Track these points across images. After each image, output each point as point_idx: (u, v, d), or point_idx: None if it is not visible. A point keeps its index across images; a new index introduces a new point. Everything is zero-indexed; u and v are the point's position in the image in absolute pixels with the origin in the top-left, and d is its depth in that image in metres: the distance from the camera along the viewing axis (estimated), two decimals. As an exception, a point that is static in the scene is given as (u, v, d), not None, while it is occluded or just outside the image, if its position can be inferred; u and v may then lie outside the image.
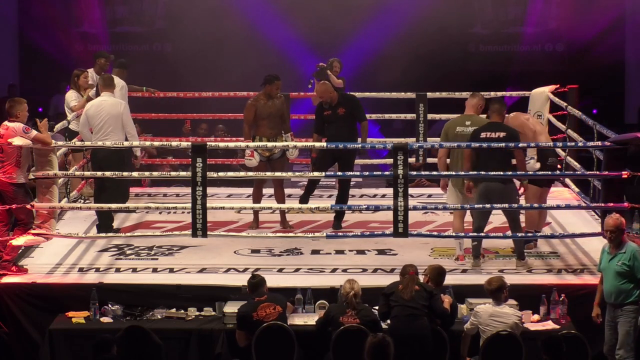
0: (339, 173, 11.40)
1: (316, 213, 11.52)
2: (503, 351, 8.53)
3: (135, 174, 11.16)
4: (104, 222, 11.05)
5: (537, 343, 8.26)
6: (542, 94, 12.85)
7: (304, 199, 11.52)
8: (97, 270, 10.09)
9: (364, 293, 8.91)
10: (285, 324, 8.80)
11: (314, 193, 11.69)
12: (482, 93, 13.37)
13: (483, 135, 9.97)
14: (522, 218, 10.48)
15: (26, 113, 10.02)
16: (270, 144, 11.06)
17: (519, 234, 10.09)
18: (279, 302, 8.85)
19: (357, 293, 8.77)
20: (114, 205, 10.73)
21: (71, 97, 12.41)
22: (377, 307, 9.07)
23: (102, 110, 10.98)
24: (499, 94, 13.51)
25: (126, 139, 11.02)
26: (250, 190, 11.78)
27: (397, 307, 8.67)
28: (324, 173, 11.11)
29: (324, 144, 10.61)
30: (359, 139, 11.51)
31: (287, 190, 11.85)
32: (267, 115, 11.30)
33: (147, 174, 11.83)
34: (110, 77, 11.39)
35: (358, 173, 12.06)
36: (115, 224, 11.35)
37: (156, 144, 11.14)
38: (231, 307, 9.23)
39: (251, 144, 11.09)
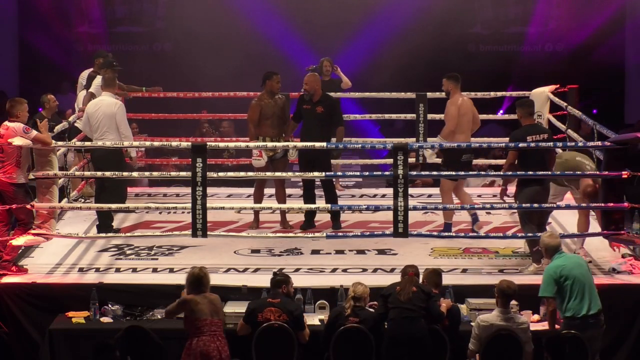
0: (339, 173, 11.41)
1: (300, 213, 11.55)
2: (503, 351, 8.53)
3: (135, 174, 11.21)
4: (104, 222, 11.06)
5: (539, 343, 8.29)
6: (542, 94, 12.86)
7: (308, 200, 11.46)
8: (97, 270, 10.10)
9: (364, 293, 8.93)
10: (292, 335, 8.72)
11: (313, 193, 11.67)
12: (482, 93, 13.50)
13: (530, 138, 10.02)
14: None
15: (26, 113, 10.03)
16: (271, 144, 11.07)
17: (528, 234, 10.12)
18: (287, 311, 8.75)
19: (358, 297, 8.74)
20: (114, 206, 10.76)
21: (82, 97, 12.50)
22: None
23: (99, 110, 11.04)
24: (499, 94, 13.52)
25: None
26: (250, 190, 11.80)
27: (394, 310, 8.65)
28: (324, 173, 11.11)
29: (323, 143, 10.59)
30: (350, 139, 11.53)
31: (287, 190, 11.85)
32: (271, 114, 11.31)
33: (147, 174, 11.84)
34: (110, 77, 11.41)
35: (358, 173, 12.05)
36: (115, 224, 11.36)
37: (156, 144, 11.14)
38: (231, 307, 9.23)
39: (253, 143, 11.10)
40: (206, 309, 8.42)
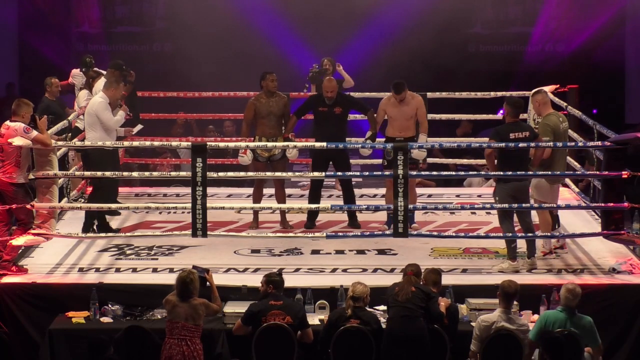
0: (339, 173, 11.41)
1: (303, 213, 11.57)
2: (503, 351, 8.52)
3: (135, 174, 11.23)
4: (102, 222, 11.09)
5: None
6: (542, 94, 12.84)
7: (314, 199, 11.46)
8: (97, 270, 10.09)
9: (364, 293, 8.92)
10: (293, 335, 8.71)
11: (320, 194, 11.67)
12: (482, 93, 13.52)
13: (512, 135, 10.01)
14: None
15: (29, 116, 10.05)
16: (270, 144, 11.07)
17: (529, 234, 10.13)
18: (291, 313, 8.74)
19: (357, 297, 8.72)
20: (114, 205, 10.86)
21: (83, 97, 12.58)
22: (377, 308, 9.11)
23: (86, 110, 11.19)
24: (499, 94, 13.51)
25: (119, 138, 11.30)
26: (250, 190, 11.80)
27: (393, 309, 8.64)
28: (324, 173, 11.13)
29: (323, 143, 10.60)
30: (350, 139, 11.51)
31: (287, 190, 11.85)
32: (267, 114, 11.31)
33: (147, 174, 11.85)
34: (109, 79, 11.49)
35: (358, 173, 12.07)
36: (115, 224, 11.38)
37: (156, 143, 11.15)
38: (231, 307, 9.23)
39: (250, 144, 11.11)
40: (183, 312, 8.49)
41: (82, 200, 12.40)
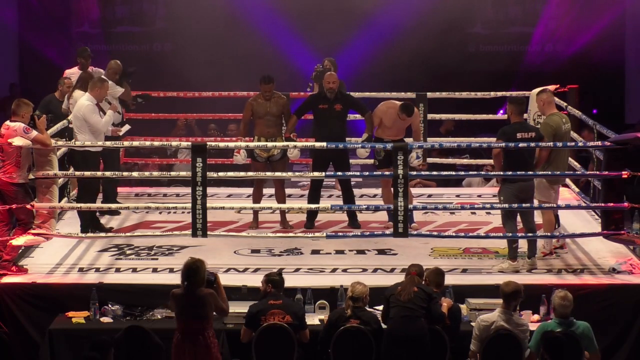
0: (339, 173, 11.40)
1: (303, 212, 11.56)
2: (503, 351, 8.52)
3: (135, 174, 11.24)
4: (96, 224, 11.11)
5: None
6: (542, 94, 12.84)
7: (314, 199, 11.46)
8: (97, 270, 10.10)
9: (364, 293, 8.92)
10: (293, 335, 8.71)
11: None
12: (483, 93, 13.53)
13: (519, 135, 10.01)
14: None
15: (29, 116, 10.04)
16: (270, 144, 11.08)
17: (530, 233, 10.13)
18: (290, 312, 8.71)
19: (356, 297, 8.71)
20: (114, 205, 10.88)
21: (79, 97, 12.54)
22: (377, 308, 9.11)
23: (74, 113, 11.19)
24: (499, 94, 13.51)
25: (109, 138, 11.22)
26: (250, 190, 11.80)
27: (395, 308, 8.63)
28: (324, 173, 11.14)
29: (323, 143, 10.60)
30: (351, 139, 11.50)
31: (287, 190, 11.85)
32: (264, 114, 11.31)
33: (147, 174, 11.85)
34: (87, 78, 11.49)
35: (358, 173, 12.08)
36: (115, 224, 11.38)
37: (156, 143, 11.15)
38: (231, 307, 9.18)
39: (249, 144, 11.11)
40: (191, 304, 8.28)
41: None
